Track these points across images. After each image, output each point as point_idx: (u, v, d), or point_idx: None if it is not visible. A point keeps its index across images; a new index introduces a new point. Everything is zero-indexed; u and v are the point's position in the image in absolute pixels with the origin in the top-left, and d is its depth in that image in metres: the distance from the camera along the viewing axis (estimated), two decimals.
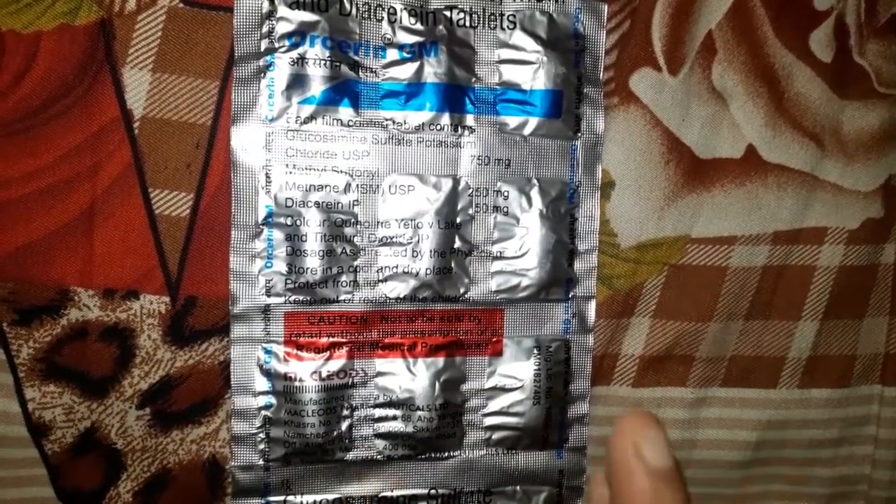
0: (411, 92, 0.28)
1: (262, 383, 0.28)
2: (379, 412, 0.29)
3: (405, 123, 0.28)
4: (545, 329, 0.30)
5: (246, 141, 0.27)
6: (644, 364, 0.31)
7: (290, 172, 0.27)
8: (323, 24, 0.27)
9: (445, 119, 0.28)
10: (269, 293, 0.28)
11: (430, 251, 0.28)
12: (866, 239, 0.31)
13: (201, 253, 0.28)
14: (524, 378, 0.30)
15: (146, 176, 0.27)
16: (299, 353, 0.28)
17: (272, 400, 0.28)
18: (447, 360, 0.29)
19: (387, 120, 0.28)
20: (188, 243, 0.28)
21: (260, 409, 0.28)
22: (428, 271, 0.28)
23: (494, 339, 0.30)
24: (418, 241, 0.28)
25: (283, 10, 0.27)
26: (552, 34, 0.29)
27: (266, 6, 0.27)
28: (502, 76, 0.29)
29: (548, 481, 0.31)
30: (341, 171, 0.28)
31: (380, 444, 0.29)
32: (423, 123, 0.28)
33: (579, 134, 0.29)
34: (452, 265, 0.29)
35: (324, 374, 0.28)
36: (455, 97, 0.28)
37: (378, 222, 0.28)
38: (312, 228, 0.27)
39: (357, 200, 0.28)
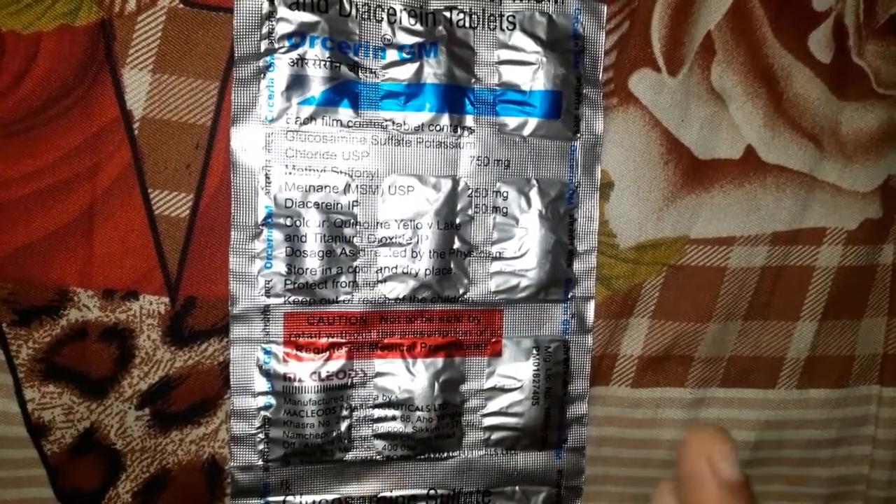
0: (411, 93, 0.28)
1: (261, 384, 0.28)
2: (378, 412, 0.29)
3: (405, 124, 0.28)
4: (544, 329, 0.30)
5: (246, 141, 0.27)
6: (643, 364, 0.31)
7: (290, 173, 0.27)
8: (323, 25, 0.27)
9: (445, 120, 0.28)
10: (268, 294, 0.28)
11: (430, 252, 0.28)
12: (865, 239, 0.31)
13: (201, 253, 0.28)
14: (523, 378, 0.30)
15: (146, 176, 0.27)
16: (299, 353, 0.28)
17: (271, 400, 0.28)
18: (446, 360, 0.29)
19: (386, 121, 0.28)
20: (188, 244, 0.28)
21: (259, 409, 0.28)
22: (427, 272, 0.28)
23: (493, 340, 0.30)
24: (418, 242, 0.28)
25: (282, 11, 0.27)
26: (552, 35, 0.29)
27: (266, 7, 0.27)
28: (502, 77, 0.29)
29: (546, 481, 0.31)
30: (341, 172, 0.28)
31: (379, 444, 0.29)
32: (422, 124, 0.28)
33: (578, 134, 0.29)
34: (452, 266, 0.29)
35: (323, 375, 0.28)
36: (454, 98, 0.28)
37: (377, 223, 0.28)
38: (312, 229, 0.27)
39: (356, 201, 0.28)
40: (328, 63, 0.27)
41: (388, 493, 0.30)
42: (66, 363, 0.28)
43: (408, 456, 0.30)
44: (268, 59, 0.27)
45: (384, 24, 0.28)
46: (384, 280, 0.28)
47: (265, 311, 0.28)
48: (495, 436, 0.30)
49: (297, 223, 0.27)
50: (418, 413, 0.29)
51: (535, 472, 0.31)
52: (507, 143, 0.29)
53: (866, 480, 0.33)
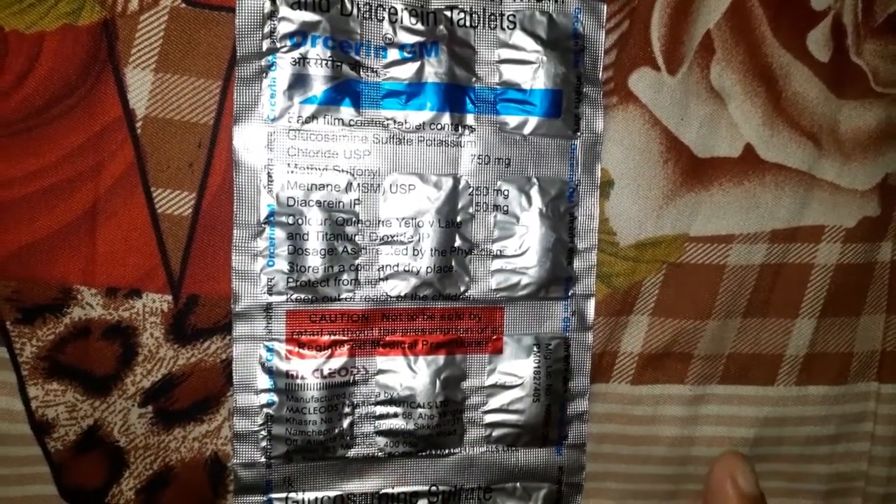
0: (412, 91, 0.28)
1: (263, 381, 0.28)
2: (380, 409, 0.29)
3: (406, 123, 0.28)
4: (545, 327, 0.30)
5: (248, 140, 0.27)
6: (643, 361, 0.31)
7: (292, 171, 0.27)
8: (324, 25, 0.27)
9: (446, 118, 0.28)
10: (270, 291, 0.28)
11: (431, 250, 0.28)
12: (863, 237, 0.31)
13: (203, 252, 0.28)
14: (524, 375, 0.30)
15: (149, 175, 0.27)
16: (301, 350, 0.28)
17: (274, 397, 0.28)
18: (447, 357, 0.29)
19: (388, 119, 0.28)
20: (190, 242, 0.28)
21: (262, 406, 0.28)
22: (428, 270, 0.28)
23: (494, 337, 0.30)
24: (419, 240, 0.28)
25: (284, 11, 0.27)
26: (552, 34, 0.29)
27: (268, 6, 0.27)
28: (502, 76, 0.29)
29: (547, 478, 0.31)
30: (342, 171, 0.28)
31: (381, 441, 0.29)
32: (423, 123, 0.28)
33: (579, 133, 0.29)
34: (453, 263, 0.29)
35: (325, 372, 0.28)
36: (455, 97, 0.28)
37: (379, 221, 0.28)
38: (314, 227, 0.27)
39: (358, 199, 0.28)
40: (330, 62, 0.27)
41: (389, 490, 0.30)
42: (69, 361, 0.28)
43: (409, 453, 0.30)
44: (270, 58, 0.27)
45: (385, 24, 0.28)
46: (386, 278, 0.28)
47: (268, 308, 0.28)
48: (496, 433, 0.30)
49: (300, 221, 0.27)
50: (420, 410, 0.29)
51: (536, 469, 0.31)
52: (507, 142, 0.29)
53: (865, 477, 0.34)
